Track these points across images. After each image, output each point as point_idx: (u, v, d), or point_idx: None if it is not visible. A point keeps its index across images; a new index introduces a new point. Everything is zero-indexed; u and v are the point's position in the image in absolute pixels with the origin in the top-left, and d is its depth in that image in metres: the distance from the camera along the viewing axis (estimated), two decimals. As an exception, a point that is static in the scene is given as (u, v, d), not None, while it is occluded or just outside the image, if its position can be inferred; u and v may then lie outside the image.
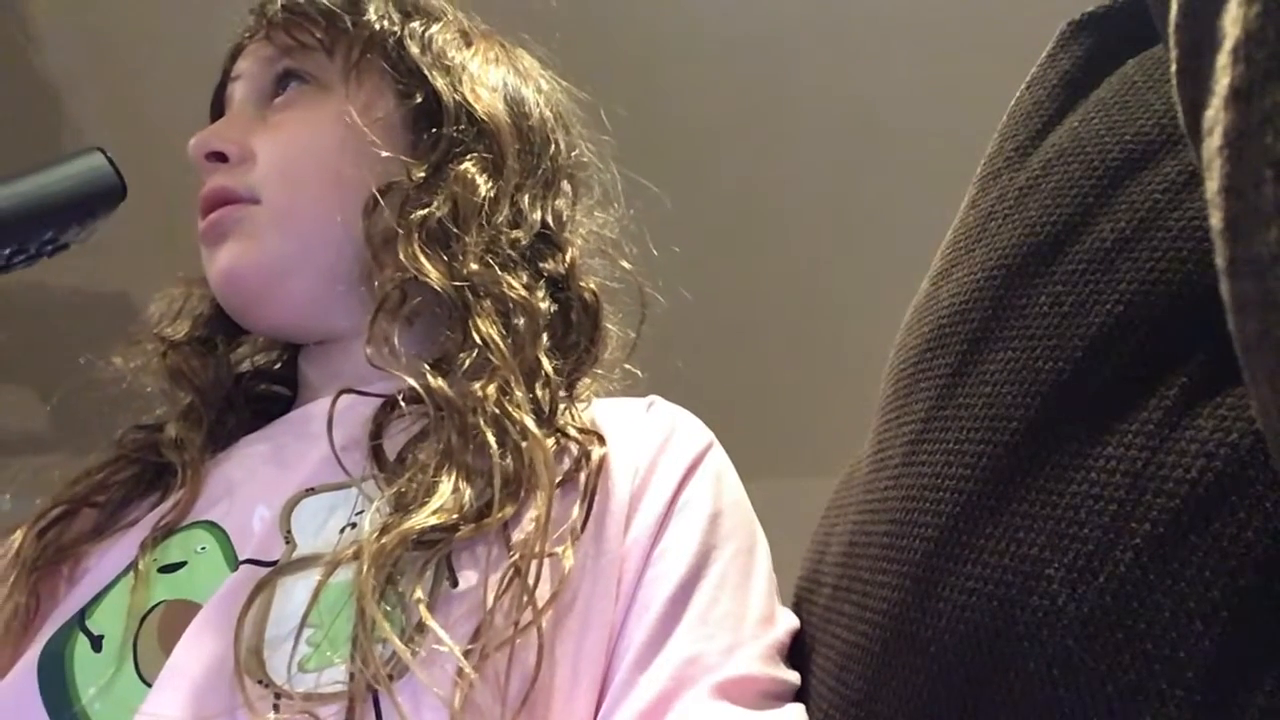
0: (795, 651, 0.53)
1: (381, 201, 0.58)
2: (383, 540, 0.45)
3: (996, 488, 0.39)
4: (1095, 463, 0.36)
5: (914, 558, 0.41)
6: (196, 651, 0.45)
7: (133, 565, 0.51)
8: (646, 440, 0.58)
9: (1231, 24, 0.24)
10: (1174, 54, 0.29)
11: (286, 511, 0.52)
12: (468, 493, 0.49)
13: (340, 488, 0.53)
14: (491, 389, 0.52)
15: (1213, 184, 0.24)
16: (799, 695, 0.51)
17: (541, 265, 0.62)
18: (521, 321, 0.57)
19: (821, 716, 0.47)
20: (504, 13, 0.71)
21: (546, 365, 0.57)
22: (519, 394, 0.53)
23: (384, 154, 0.59)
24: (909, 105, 1.78)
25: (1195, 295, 0.36)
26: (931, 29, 1.71)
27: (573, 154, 0.69)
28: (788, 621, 0.54)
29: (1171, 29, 0.29)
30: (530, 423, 0.52)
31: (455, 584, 0.47)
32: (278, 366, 0.70)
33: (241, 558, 0.50)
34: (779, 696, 0.50)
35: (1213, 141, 0.24)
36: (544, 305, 0.59)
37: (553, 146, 0.66)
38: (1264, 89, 0.23)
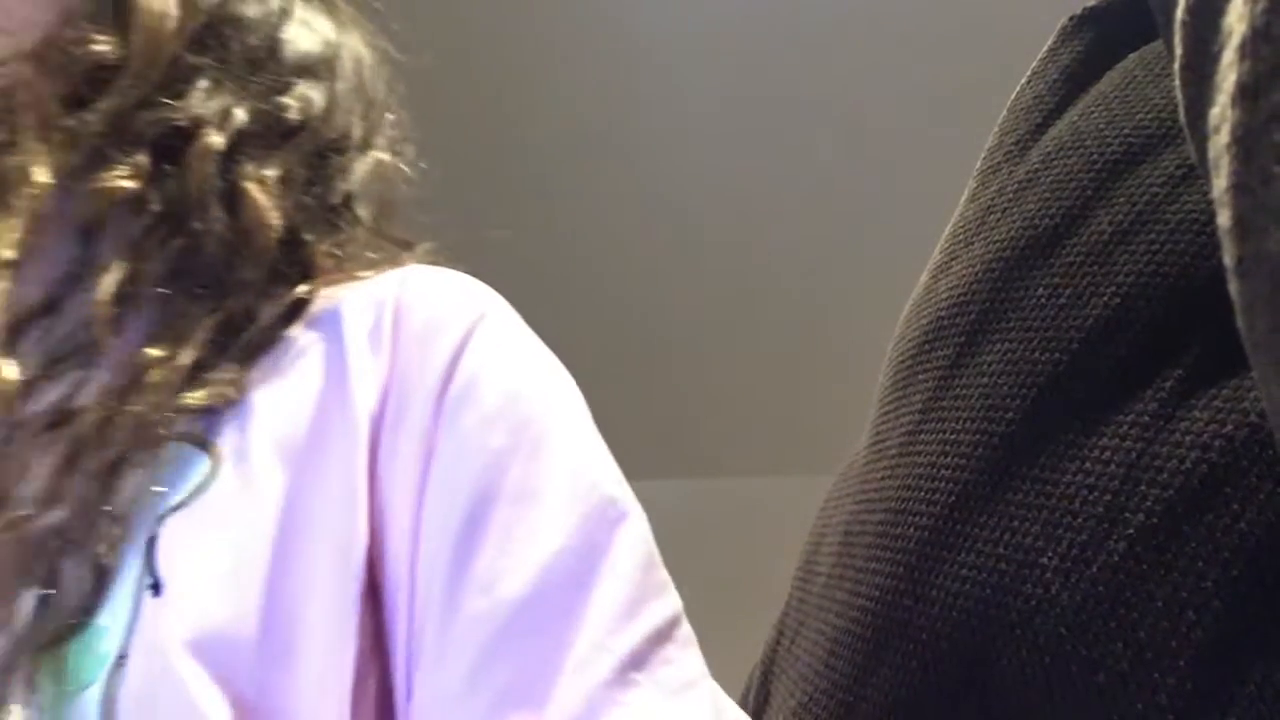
0: (786, 640, 0.53)
1: None
2: None
3: (991, 477, 0.39)
4: (1090, 453, 0.36)
5: (908, 546, 0.42)
6: None
7: None
8: (391, 331, 0.45)
9: (1238, 21, 0.25)
10: (1178, 50, 0.29)
11: None
12: None
13: None
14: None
15: (1221, 182, 0.24)
16: (790, 691, 0.51)
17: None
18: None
19: (807, 700, 0.47)
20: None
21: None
22: None
23: None
24: (910, 99, 1.79)
25: (1192, 288, 0.36)
26: (932, 26, 1.71)
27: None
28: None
29: (1177, 25, 0.29)
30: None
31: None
32: None
33: None
34: None
35: (1220, 139, 0.24)
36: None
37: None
38: (1271, 86, 0.23)
